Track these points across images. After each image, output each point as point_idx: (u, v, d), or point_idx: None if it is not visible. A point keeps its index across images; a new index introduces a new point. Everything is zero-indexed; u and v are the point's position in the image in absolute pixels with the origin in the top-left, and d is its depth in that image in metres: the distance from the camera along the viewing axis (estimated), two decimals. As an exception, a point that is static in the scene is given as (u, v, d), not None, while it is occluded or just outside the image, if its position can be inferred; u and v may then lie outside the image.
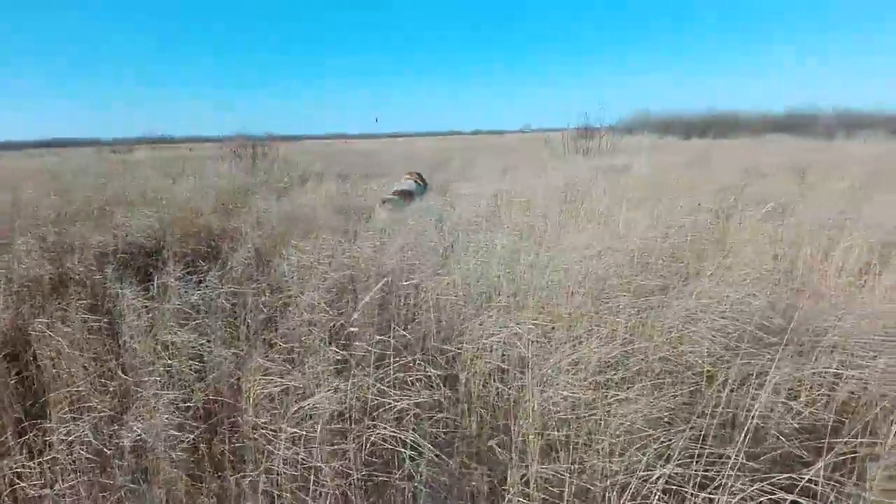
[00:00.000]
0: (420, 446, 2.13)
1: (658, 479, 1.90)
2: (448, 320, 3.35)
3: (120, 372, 2.82)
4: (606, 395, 2.28)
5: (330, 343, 2.79)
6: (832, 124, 30.13)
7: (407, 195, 8.51)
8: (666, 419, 2.24)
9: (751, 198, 6.86)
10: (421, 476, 2.16)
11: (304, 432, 2.11)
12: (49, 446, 2.25)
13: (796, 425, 2.35)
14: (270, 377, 2.36)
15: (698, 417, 2.23)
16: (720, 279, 3.52)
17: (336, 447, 2.17)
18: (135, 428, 2.18)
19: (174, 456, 2.24)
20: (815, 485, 1.78)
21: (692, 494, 1.86)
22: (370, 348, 2.49)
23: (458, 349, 2.83)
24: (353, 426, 2.22)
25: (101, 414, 2.38)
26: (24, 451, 2.39)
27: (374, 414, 2.28)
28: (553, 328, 2.94)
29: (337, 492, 2.10)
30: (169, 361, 2.70)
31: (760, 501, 1.75)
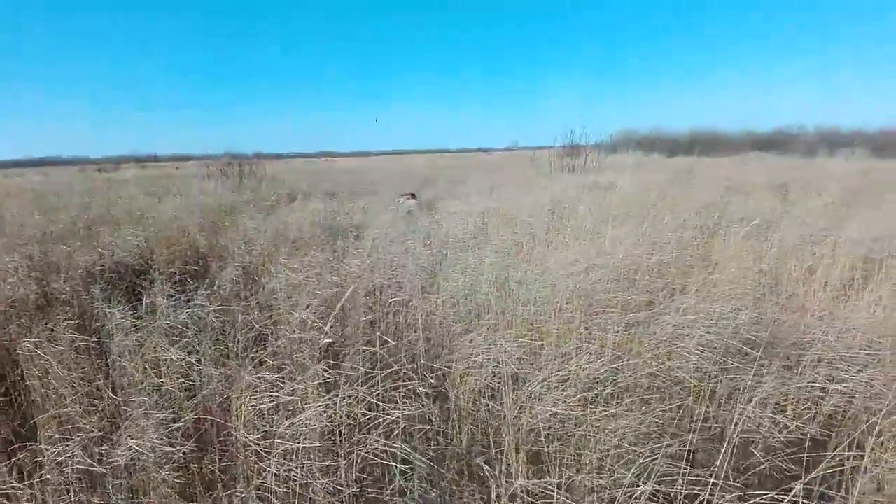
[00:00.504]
0: (411, 461, 2.13)
1: (642, 494, 1.91)
2: (437, 338, 3.36)
3: (109, 391, 2.79)
4: (595, 412, 2.29)
5: (319, 360, 2.79)
6: (814, 142, 30.63)
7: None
8: (654, 434, 2.26)
9: (734, 215, 6.96)
10: (412, 492, 2.16)
11: (298, 445, 2.11)
12: (39, 467, 2.22)
13: (783, 439, 2.38)
14: (260, 394, 2.34)
15: (686, 432, 2.25)
16: (706, 295, 3.56)
17: (327, 463, 2.16)
18: (131, 446, 2.16)
19: (165, 475, 2.22)
20: (805, 498, 1.80)
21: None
22: (359, 366, 2.49)
23: (448, 367, 2.84)
24: (342, 442, 2.22)
25: (91, 434, 2.36)
26: (14, 471, 2.36)
27: (365, 429, 2.28)
28: (542, 345, 2.95)
29: (328, 509, 2.09)
30: (158, 380, 2.68)
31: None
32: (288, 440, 2.12)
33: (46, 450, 2.18)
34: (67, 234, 7.05)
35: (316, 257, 4.81)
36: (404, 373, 2.56)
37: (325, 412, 2.20)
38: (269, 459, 2.11)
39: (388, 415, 2.22)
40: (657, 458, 2.01)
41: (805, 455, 2.32)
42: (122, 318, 3.19)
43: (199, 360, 2.83)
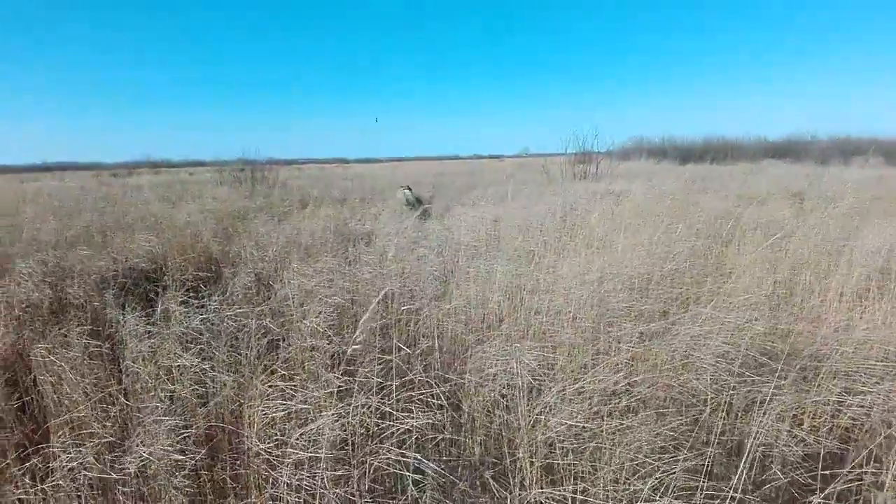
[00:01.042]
0: (424, 471, 2.12)
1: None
2: (449, 347, 3.35)
3: (122, 397, 2.80)
4: (610, 424, 2.27)
5: (332, 368, 2.79)
6: (828, 150, 30.41)
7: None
8: (671, 447, 2.23)
9: (748, 223, 6.90)
10: (425, 502, 2.15)
11: (309, 454, 2.10)
12: (51, 472, 2.23)
13: (801, 452, 2.34)
14: (272, 402, 2.34)
15: (703, 445, 2.23)
16: (720, 304, 3.53)
17: (339, 473, 2.15)
18: (142, 453, 2.16)
19: (176, 482, 2.22)
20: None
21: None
22: (373, 375, 2.48)
23: (461, 378, 2.82)
24: (356, 451, 2.21)
25: (102, 440, 2.36)
26: (28, 476, 2.37)
27: (378, 439, 2.27)
28: (556, 356, 2.93)
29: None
30: (171, 387, 2.68)
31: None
32: (300, 449, 2.12)
33: (58, 455, 2.19)
34: (82, 239, 7.12)
35: (328, 263, 4.81)
36: (419, 381, 2.56)
37: (337, 421, 2.19)
38: (281, 469, 2.10)
39: (401, 424, 2.21)
40: (675, 473, 1.99)
41: (822, 469, 2.28)
42: (136, 325, 3.21)
43: (212, 367, 2.83)
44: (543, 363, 2.79)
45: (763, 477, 2.21)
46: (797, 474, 2.25)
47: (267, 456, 2.21)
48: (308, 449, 2.11)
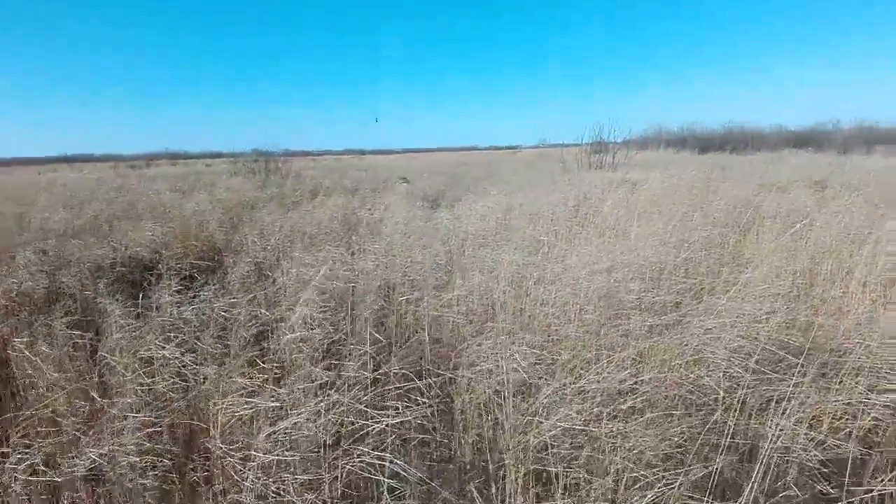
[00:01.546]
0: (405, 474, 1.94)
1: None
2: (448, 341, 3.18)
3: (95, 392, 2.62)
4: (611, 428, 2.06)
5: (322, 359, 2.62)
6: (850, 139, 29.72)
7: None
8: (677, 453, 2.03)
9: (767, 212, 6.64)
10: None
11: (276, 457, 1.92)
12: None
13: (820, 457, 2.13)
14: (239, 399, 2.16)
15: (713, 450, 2.03)
16: (736, 295, 3.32)
17: (309, 477, 1.97)
18: (91, 455, 2.00)
19: (138, 484, 2.07)
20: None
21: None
22: (358, 369, 2.30)
23: (453, 374, 2.63)
24: (327, 453, 2.02)
25: (57, 440, 2.21)
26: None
27: (353, 438, 2.07)
28: (559, 350, 2.74)
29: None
30: (148, 380, 2.51)
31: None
32: (265, 452, 1.94)
33: (6, 457, 2.04)
34: (88, 229, 7.06)
35: (331, 252, 4.68)
36: (403, 374, 2.37)
37: (309, 420, 2.01)
38: (246, 472, 1.93)
39: (377, 423, 2.02)
40: (680, 486, 1.79)
41: (843, 476, 2.08)
42: (121, 316, 3.08)
43: (194, 360, 2.67)
44: (544, 359, 2.60)
45: (777, 485, 2.02)
46: (815, 481, 2.06)
47: (230, 459, 2.04)
48: (274, 451, 1.94)
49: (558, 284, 3.53)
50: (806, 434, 2.13)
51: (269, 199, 10.65)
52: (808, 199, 8.05)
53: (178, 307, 3.32)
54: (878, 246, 4.50)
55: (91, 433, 2.20)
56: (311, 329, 2.90)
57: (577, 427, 2.01)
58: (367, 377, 2.32)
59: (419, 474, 1.97)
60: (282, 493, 1.89)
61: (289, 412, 2.07)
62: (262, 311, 3.55)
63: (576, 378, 2.34)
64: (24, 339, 2.85)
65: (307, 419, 1.99)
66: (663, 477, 1.83)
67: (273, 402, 2.11)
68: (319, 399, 2.10)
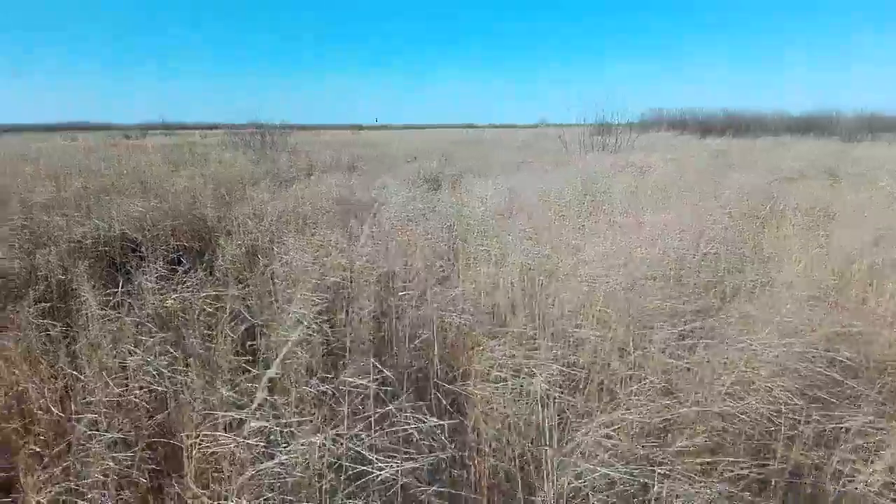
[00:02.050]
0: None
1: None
2: (453, 340, 2.89)
3: (55, 406, 2.26)
4: (654, 470, 1.74)
5: (314, 374, 2.30)
6: (854, 126, 29.37)
7: None
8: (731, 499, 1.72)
9: (784, 203, 6.34)
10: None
11: None
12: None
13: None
14: (216, 432, 1.80)
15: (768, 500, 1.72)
16: (766, 302, 3.01)
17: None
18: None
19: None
20: None
21: None
22: (361, 390, 1.96)
23: (463, 388, 2.31)
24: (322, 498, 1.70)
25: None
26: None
27: (355, 485, 1.72)
28: (581, 368, 2.43)
29: None
30: (116, 390, 2.16)
31: None
32: (239, 496, 1.61)
33: None
34: (72, 202, 6.71)
35: (326, 237, 4.38)
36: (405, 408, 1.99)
37: (300, 459, 1.68)
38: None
39: (380, 469, 1.68)
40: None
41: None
42: (98, 306, 2.75)
43: (172, 366, 2.32)
44: (573, 376, 2.29)
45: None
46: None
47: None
48: (257, 497, 1.61)
49: (573, 281, 3.26)
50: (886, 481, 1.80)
51: (264, 175, 10.30)
52: (822, 190, 7.76)
53: (163, 294, 3.04)
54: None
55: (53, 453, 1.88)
56: (309, 336, 2.56)
57: (618, 472, 1.68)
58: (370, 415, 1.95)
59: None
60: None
61: (282, 449, 1.71)
62: (253, 301, 3.27)
63: (604, 406, 2.03)
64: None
65: (297, 457, 1.66)
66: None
67: (247, 439, 1.74)
68: (305, 443, 1.73)
